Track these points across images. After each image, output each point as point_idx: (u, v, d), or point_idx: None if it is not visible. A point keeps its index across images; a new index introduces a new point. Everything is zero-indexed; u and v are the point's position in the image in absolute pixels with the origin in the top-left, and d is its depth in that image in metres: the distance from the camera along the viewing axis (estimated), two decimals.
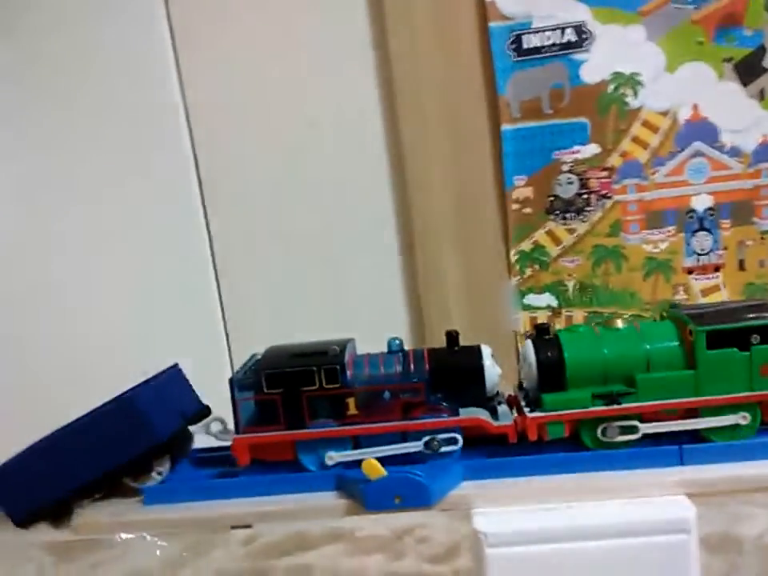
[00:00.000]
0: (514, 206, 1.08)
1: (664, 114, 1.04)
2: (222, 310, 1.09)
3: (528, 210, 1.08)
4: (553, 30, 1.03)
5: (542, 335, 0.55)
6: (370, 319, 1.05)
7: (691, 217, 1.06)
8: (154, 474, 0.56)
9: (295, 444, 0.55)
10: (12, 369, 1.11)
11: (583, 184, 1.06)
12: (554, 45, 1.03)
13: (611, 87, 1.03)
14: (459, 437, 0.54)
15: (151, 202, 1.08)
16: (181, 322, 1.07)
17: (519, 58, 1.04)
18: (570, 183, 1.06)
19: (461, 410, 0.54)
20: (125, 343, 1.08)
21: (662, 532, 0.48)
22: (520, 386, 0.57)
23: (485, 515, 0.51)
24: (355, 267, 1.08)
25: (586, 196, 1.06)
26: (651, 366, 0.53)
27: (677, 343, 0.53)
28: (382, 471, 0.51)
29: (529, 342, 0.55)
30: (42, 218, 1.10)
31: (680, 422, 0.53)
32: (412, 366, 0.55)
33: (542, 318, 1.09)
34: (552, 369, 0.53)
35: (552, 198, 1.07)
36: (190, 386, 0.61)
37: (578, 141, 1.05)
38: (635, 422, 0.53)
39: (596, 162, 1.05)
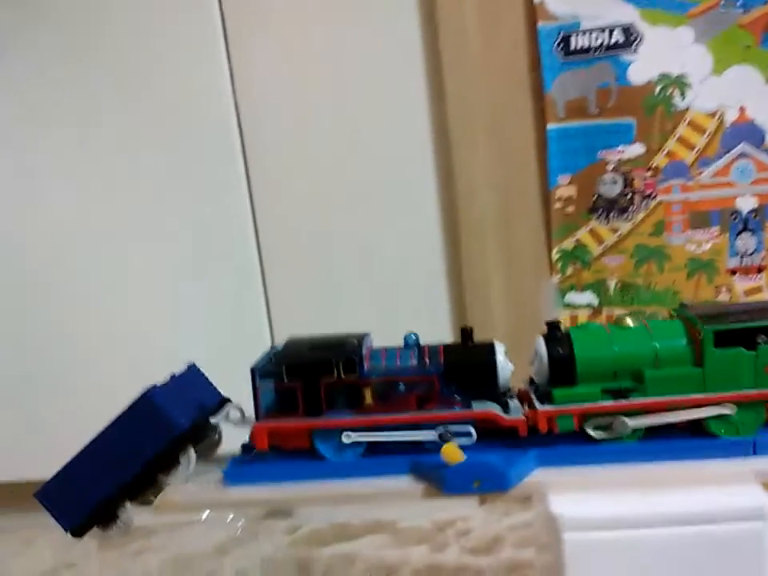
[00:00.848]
0: (557, 205, 1.08)
1: (711, 115, 1.04)
2: (268, 309, 1.10)
3: (571, 209, 1.09)
4: (601, 30, 1.03)
5: (553, 332, 0.56)
6: (414, 317, 1.06)
7: (735, 218, 1.06)
8: (181, 468, 0.57)
9: (312, 432, 0.56)
10: (63, 361, 1.13)
11: (627, 183, 1.07)
12: (601, 45, 1.04)
13: (658, 88, 1.04)
14: (473, 430, 0.55)
15: (200, 201, 1.10)
16: (228, 326, 1.08)
17: (566, 58, 1.05)
18: (614, 183, 1.07)
19: (474, 404, 0.56)
20: (172, 338, 1.10)
21: (738, 519, 0.49)
22: (531, 381, 0.59)
23: (561, 500, 0.51)
24: (399, 266, 1.09)
25: (629, 195, 1.07)
26: (659, 364, 0.54)
27: (685, 342, 0.54)
28: (460, 456, 0.52)
29: (541, 339, 0.56)
30: (94, 213, 1.12)
31: (680, 412, 0.54)
32: (427, 360, 0.56)
33: (583, 316, 1.10)
34: (562, 364, 0.54)
35: (595, 197, 1.08)
36: (208, 380, 0.62)
37: (624, 141, 1.06)
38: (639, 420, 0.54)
39: (641, 162, 1.06)
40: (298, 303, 1.09)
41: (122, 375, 1.11)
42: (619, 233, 1.08)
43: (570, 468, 0.54)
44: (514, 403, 0.56)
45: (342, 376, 0.55)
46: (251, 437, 0.56)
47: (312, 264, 1.10)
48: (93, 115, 1.09)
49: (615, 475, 0.53)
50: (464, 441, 0.55)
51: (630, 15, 1.03)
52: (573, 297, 1.10)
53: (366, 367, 0.56)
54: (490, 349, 0.56)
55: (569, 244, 1.09)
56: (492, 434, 0.55)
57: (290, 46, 1.07)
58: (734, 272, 1.07)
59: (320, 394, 0.55)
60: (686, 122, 1.05)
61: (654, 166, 1.06)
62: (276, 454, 0.57)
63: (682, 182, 1.06)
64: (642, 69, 1.04)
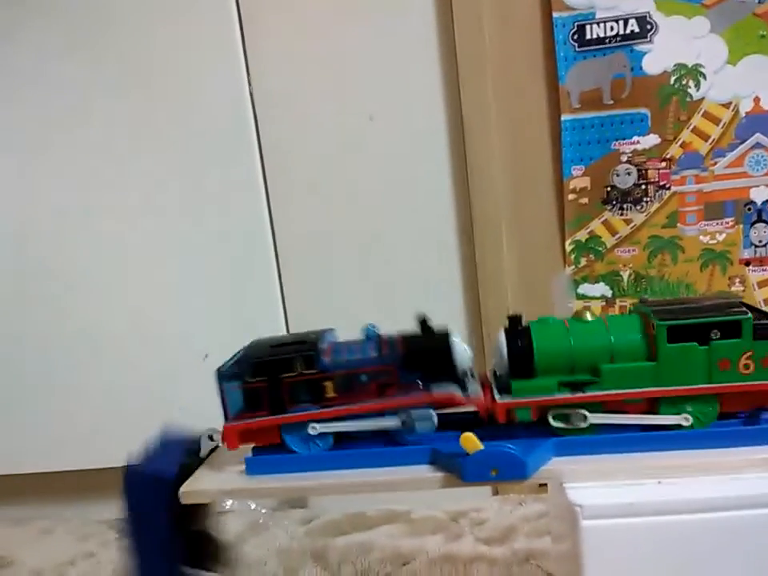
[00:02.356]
0: (571, 196, 1.08)
1: (725, 105, 1.04)
2: (283, 299, 1.11)
3: (584, 200, 1.08)
4: (616, 20, 1.03)
5: (514, 326, 0.57)
6: (429, 308, 1.06)
7: (750, 209, 1.06)
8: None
9: (280, 427, 0.57)
10: (83, 355, 1.14)
11: (641, 174, 1.06)
12: (616, 35, 1.04)
13: (673, 78, 1.04)
14: (433, 413, 0.56)
15: (217, 194, 1.10)
16: (243, 313, 1.09)
17: (581, 49, 1.04)
18: (629, 174, 1.07)
19: (435, 389, 0.56)
20: (190, 328, 1.11)
21: (755, 506, 0.49)
22: (494, 373, 0.59)
23: (579, 489, 0.52)
24: (414, 257, 1.09)
25: (644, 186, 1.07)
26: (615, 358, 0.55)
27: (640, 336, 0.55)
28: (479, 445, 0.52)
29: (502, 332, 0.57)
30: (108, 204, 1.12)
31: (635, 416, 0.55)
32: (385, 350, 0.57)
33: (596, 308, 1.10)
34: (521, 357, 0.55)
35: (609, 188, 1.08)
36: (183, 428, 0.62)
37: (638, 131, 1.05)
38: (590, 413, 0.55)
39: (655, 153, 1.05)
40: (312, 296, 1.10)
41: (139, 369, 1.13)
42: (633, 224, 1.08)
43: (587, 457, 0.55)
44: (473, 386, 0.57)
45: (303, 372, 0.56)
46: (222, 438, 0.58)
47: (326, 254, 1.10)
48: (109, 111, 1.10)
49: (632, 463, 0.53)
50: (425, 425, 0.56)
51: (645, 5, 1.03)
52: (586, 288, 1.10)
53: (326, 362, 0.57)
54: (445, 335, 0.57)
55: (582, 235, 1.09)
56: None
57: (304, 33, 1.07)
58: (747, 263, 1.07)
59: (283, 391, 0.56)
60: (701, 112, 1.04)
61: (668, 156, 1.05)
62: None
63: (696, 173, 1.06)
64: (656, 59, 1.04)
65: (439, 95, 1.06)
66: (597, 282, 1.10)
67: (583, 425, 0.55)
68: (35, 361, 1.15)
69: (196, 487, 0.56)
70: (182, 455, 0.58)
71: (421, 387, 0.56)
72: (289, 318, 1.11)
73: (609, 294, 1.10)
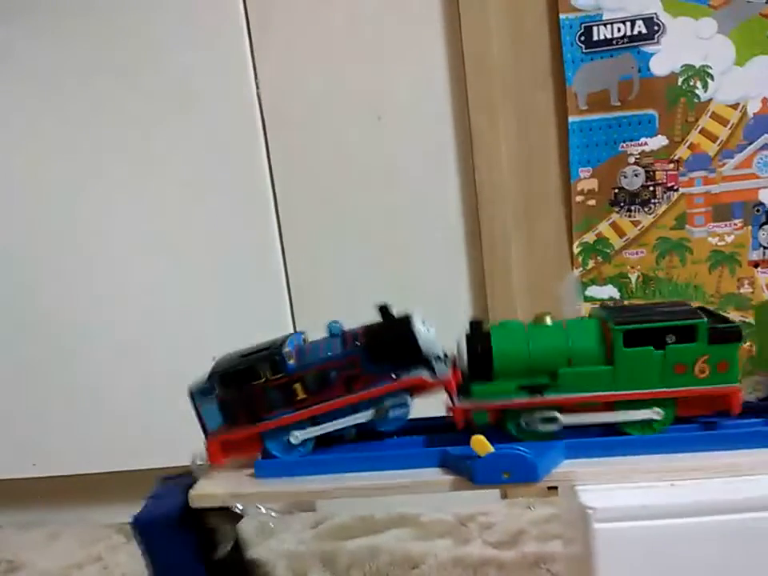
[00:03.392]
0: (578, 198, 1.08)
1: (733, 106, 1.03)
2: (290, 297, 1.11)
3: (592, 202, 1.08)
4: (623, 21, 1.03)
5: (474, 330, 0.56)
6: (436, 310, 1.06)
7: (758, 210, 1.05)
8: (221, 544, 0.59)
9: (261, 435, 0.57)
10: (94, 356, 1.14)
11: (649, 176, 1.06)
12: (623, 37, 1.03)
13: (681, 79, 1.03)
14: (408, 398, 0.56)
15: (224, 191, 1.10)
16: (251, 314, 1.09)
17: (588, 50, 1.04)
18: (636, 175, 1.06)
19: (404, 375, 0.56)
20: (197, 326, 1.11)
21: None
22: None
23: (591, 491, 0.51)
24: (422, 259, 1.09)
25: (651, 188, 1.06)
26: (573, 361, 0.55)
27: (598, 340, 0.55)
28: (490, 448, 0.52)
29: (463, 336, 0.56)
30: (116, 200, 1.12)
31: (598, 414, 0.55)
32: (350, 344, 0.57)
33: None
34: (480, 360, 0.55)
35: (617, 190, 1.07)
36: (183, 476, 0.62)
37: (646, 133, 1.05)
38: (555, 413, 0.55)
39: (663, 155, 1.05)
40: (319, 295, 1.10)
41: (148, 373, 1.13)
42: (641, 226, 1.08)
43: (598, 459, 0.54)
44: (441, 366, 0.56)
45: (270, 377, 0.56)
46: (207, 454, 0.57)
47: (333, 252, 1.10)
48: (113, 107, 1.10)
49: (644, 466, 0.53)
50: (400, 412, 0.56)
51: (652, 6, 1.02)
52: (594, 290, 1.10)
53: (293, 364, 0.57)
54: (405, 320, 0.56)
55: (590, 237, 1.09)
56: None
57: (311, 33, 1.07)
58: (756, 264, 1.06)
59: (256, 399, 0.56)
60: (709, 113, 1.04)
61: (676, 158, 1.05)
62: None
63: (705, 175, 1.05)
64: (664, 60, 1.04)
65: (447, 96, 1.06)
66: (605, 284, 1.10)
67: (549, 428, 0.55)
68: (45, 367, 1.15)
69: (206, 491, 0.56)
70: (182, 492, 0.57)
71: (388, 376, 0.56)
72: (296, 317, 1.11)
73: (617, 296, 1.10)
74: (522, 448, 0.52)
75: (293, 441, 0.56)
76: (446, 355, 0.57)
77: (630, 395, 0.54)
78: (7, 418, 1.16)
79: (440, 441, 0.58)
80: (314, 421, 0.57)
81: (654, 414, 0.54)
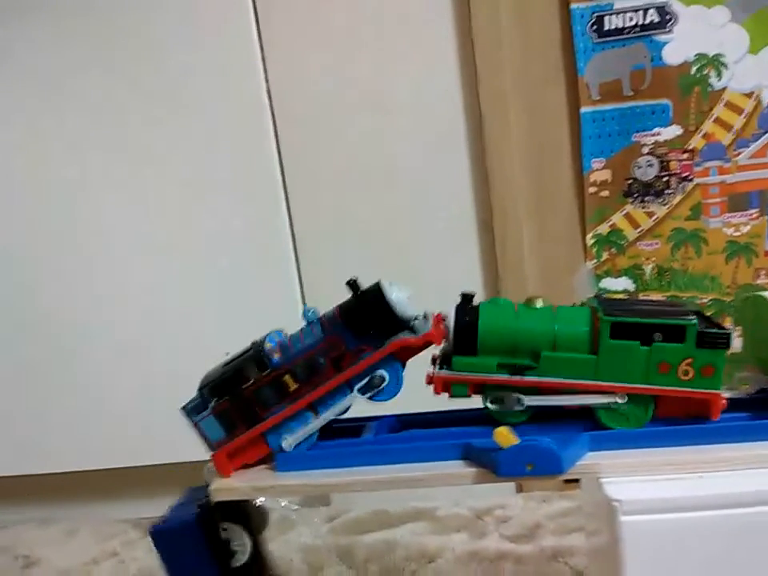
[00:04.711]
0: (591, 189, 1.07)
1: (748, 95, 1.02)
2: (302, 291, 1.11)
3: (605, 193, 1.07)
4: (635, 10, 1.02)
5: (464, 303, 0.56)
6: (448, 302, 1.06)
7: None
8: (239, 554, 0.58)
9: (264, 436, 0.57)
10: (104, 353, 1.14)
11: (663, 166, 1.05)
12: (635, 26, 1.02)
13: (694, 68, 1.02)
14: (397, 363, 0.56)
15: (231, 190, 1.10)
16: (263, 309, 1.08)
17: (600, 40, 1.03)
18: (650, 165, 1.05)
19: (387, 342, 0.55)
20: (207, 322, 1.10)
21: None
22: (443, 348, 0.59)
23: (616, 483, 0.51)
24: (434, 251, 1.09)
25: (666, 178, 1.06)
26: (557, 346, 0.54)
27: (586, 329, 0.54)
28: (514, 439, 0.51)
29: (453, 308, 0.56)
30: (126, 199, 1.12)
31: (559, 396, 0.55)
32: (328, 326, 0.57)
33: None
34: (466, 333, 0.55)
35: (630, 181, 1.06)
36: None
37: (659, 123, 1.04)
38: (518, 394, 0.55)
39: (677, 144, 1.04)
40: (330, 288, 1.09)
41: (160, 368, 1.13)
42: (655, 217, 1.07)
43: (622, 451, 0.54)
44: (419, 323, 0.56)
45: (258, 377, 0.56)
46: (216, 469, 0.57)
47: (344, 247, 1.10)
48: (118, 103, 1.10)
49: (671, 457, 0.52)
50: (393, 379, 0.56)
51: None
52: (608, 282, 1.09)
53: (278, 359, 0.57)
54: (376, 288, 0.56)
55: (604, 228, 1.08)
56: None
57: (321, 29, 1.07)
58: None
59: (250, 402, 0.56)
60: (723, 102, 1.03)
61: (690, 147, 1.04)
62: (328, 441, 0.58)
63: (720, 164, 1.04)
64: (677, 49, 1.03)
65: (458, 88, 1.05)
66: (619, 276, 1.09)
67: (518, 407, 0.55)
68: (59, 361, 1.15)
69: (227, 484, 0.56)
70: (197, 501, 0.57)
71: (371, 346, 0.55)
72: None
73: (632, 288, 1.09)
74: (546, 440, 0.52)
75: (286, 446, 0.56)
76: (425, 316, 0.57)
77: (609, 387, 0.54)
78: (14, 415, 1.17)
79: (460, 434, 0.57)
80: (314, 409, 0.57)
81: (617, 398, 0.54)
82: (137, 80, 1.08)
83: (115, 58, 1.08)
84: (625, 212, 1.07)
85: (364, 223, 1.09)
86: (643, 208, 1.07)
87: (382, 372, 0.55)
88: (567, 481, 0.55)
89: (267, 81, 1.07)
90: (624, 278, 1.09)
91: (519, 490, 1.09)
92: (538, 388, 0.55)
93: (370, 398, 0.56)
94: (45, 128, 1.11)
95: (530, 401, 0.55)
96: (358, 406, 0.57)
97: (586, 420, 0.55)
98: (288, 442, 0.56)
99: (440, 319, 0.57)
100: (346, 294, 0.56)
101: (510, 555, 0.91)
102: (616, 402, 0.54)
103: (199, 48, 1.06)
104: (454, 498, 1.05)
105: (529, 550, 0.93)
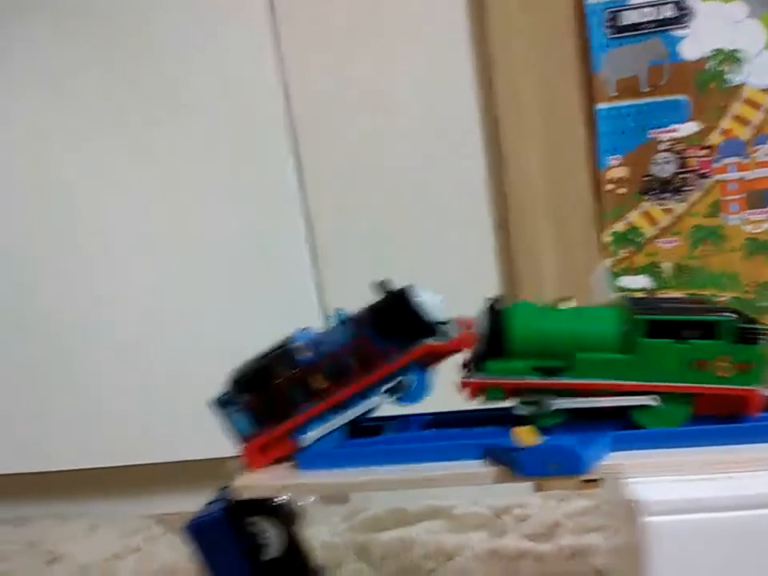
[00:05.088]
0: (608, 186, 1.07)
1: (766, 90, 1.02)
2: (320, 291, 1.11)
3: (623, 191, 1.07)
4: (651, 5, 1.01)
5: (494, 306, 0.57)
6: (464, 300, 1.05)
7: None
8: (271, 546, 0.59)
9: (291, 434, 0.57)
10: (135, 342, 1.15)
11: (681, 163, 1.04)
12: (652, 21, 1.02)
13: (711, 64, 1.02)
14: (423, 370, 0.56)
15: (235, 189, 1.11)
16: (279, 306, 1.09)
17: (616, 35, 1.03)
18: (668, 162, 1.05)
19: (416, 346, 0.56)
20: (207, 322, 1.11)
21: None
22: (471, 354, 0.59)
23: (640, 484, 0.50)
24: (450, 250, 1.09)
25: (684, 175, 1.05)
26: (591, 347, 0.54)
27: (619, 329, 0.54)
28: (534, 439, 0.51)
29: (483, 311, 0.57)
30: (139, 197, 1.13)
31: (591, 399, 0.54)
32: (357, 326, 0.57)
33: None
34: (498, 337, 0.55)
35: (648, 178, 1.06)
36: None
37: (677, 119, 1.03)
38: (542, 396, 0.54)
39: (695, 140, 1.03)
40: (348, 288, 1.10)
41: (183, 364, 1.13)
42: (674, 214, 1.06)
43: (645, 452, 0.54)
44: (450, 328, 0.56)
45: (287, 374, 0.57)
46: (247, 462, 0.58)
47: (361, 246, 1.10)
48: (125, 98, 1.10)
49: (695, 458, 0.52)
50: (419, 384, 0.56)
51: None
52: (626, 280, 1.09)
53: (307, 357, 0.57)
54: (405, 291, 0.56)
55: (621, 226, 1.08)
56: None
57: (337, 24, 1.07)
58: None
59: (278, 398, 0.57)
60: (741, 98, 1.02)
61: (708, 144, 1.03)
62: (350, 439, 0.58)
63: (738, 160, 1.03)
64: (694, 45, 1.02)
65: (473, 87, 1.05)
66: (637, 273, 1.09)
67: (553, 410, 0.55)
68: (82, 356, 1.16)
69: (249, 482, 0.56)
70: (227, 498, 0.59)
71: (399, 350, 0.56)
72: (327, 305, 1.11)
73: (650, 286, 1.08)
74: (569, 439, 0.52)
75: (304, 442, 0.57)
76: (454, 321, 0.57)
77: (646, 386, 0.53)
78: (14, 415, 1.18)
79: (481, 433, 0.57)
80: (339, 407, 0.57)
81: (650, 400, 0.54)
82: (138, 80, 1.09)
83: (116, 57, 1.09)
84: (642, 209, 1.07)
85: (378, 224, 1.09)
86: (661, 205, 1.06)
87: (410, 375, 0.56)
88: (586, 480, 0.55)
89: (284, 79, 1.07)
90: (642, 275, 1.09)
91: (538, 489, 1.08)
92: (571, 389, 0.55)
93: (397, 401, 0.57)
94: (45, 128, 1.12)
95: (565, 403, 0.55)
96: (385, 405, 0.58)
97: (618, 420, 0.55)
98: (308, 437, 0.57)
99: (469, 325, 0.57)
100: (361, 290, 0.56)
101: (529, 554, 0.91)
102: (652, 402, 0.54)
103: (200, 48, 1.07)
104: (471, 497, 1.05)
105: (548, 548, 0.92)
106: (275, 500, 0.60)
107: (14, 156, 1.13)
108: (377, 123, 1.07)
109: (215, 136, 1.09)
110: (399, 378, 0.56)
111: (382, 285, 0.57)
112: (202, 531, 0.58)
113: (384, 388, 0.56)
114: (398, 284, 0.58)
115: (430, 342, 0.55)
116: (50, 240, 1.15)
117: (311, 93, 1.08)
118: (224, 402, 0.59)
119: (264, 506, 0.59)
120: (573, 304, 0.56)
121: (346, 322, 0.58)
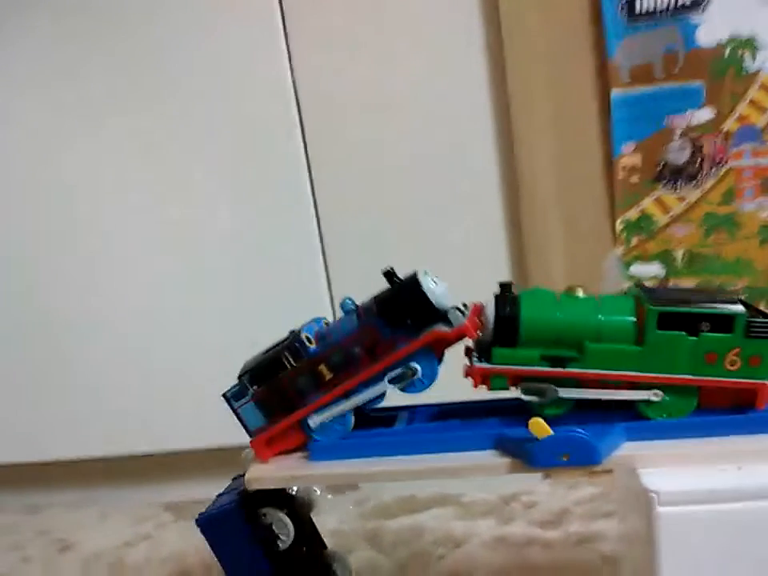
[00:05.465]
0: (621, 174, 1.06)
1: None
2: (329, 284, 1.11)
3: (635, 178, 1.06)
4: None
5: (504, 293, 0.56)
6: (475, 290, 1.05)
7: None
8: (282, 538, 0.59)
9: (301, 424, 0.58)
10: (143, 331, 1.16)
11: (696, 150, 1.03)
12: (668, 8, 1.00)
13: (728, 50, 1.00)
14: (431, 357, 0.56)
15: (260, 181, 1.10)
16: (289, 297, 1.09)
17: (631, 22, 1.01)
18: (683, 149, 1.04)
19: (423, 333, 0.55)
20: (237, 316, 1.11)
21: None
22: (476, 340, 0.58)
23: (653, 475, 0.50)
24: (459, 238, 1.08)
25: (698, 162, 1.04)
26: (602, 337, 0.53)
27: (631, 319, 0.53)
28: (548, 430, 0.51)
29: (491, 298, 0.56)
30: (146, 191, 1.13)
31: (590, 390, 0.54)
32: (364, 316, 0.57)
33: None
34: (506, 324, 0.54)
35: (662, 165, 1.05)
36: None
37: (692, 105, 1.02)
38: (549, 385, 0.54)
39: (710, 128, 1.02)
40: (357, 280, 1.09)
41: (192, 354, 1.14)
42: (687, 201, 1.05)
43: (658, 442, 0.53)
44: (456, 315, 0.55)
45: (294, 365, 0.57)
46: (255, 454, 0.58)
47: (370, 237, 1.10)
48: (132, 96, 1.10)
49: (708, 449, 0.52)
50: (427, 371, 0.56)
51: None
52: (638, 268, 1.08)
53: (314, 348, 0.57)
54: (413, 278, 0.56)
55: (633, 214, 1.07)
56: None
57: (345, 18, 1.06)
58: None
59: (286, 390, 0.57)
60: (757, 84, 1.01)
61: (724, 130, 1.02)
62: (362, 430, 0.58)
63: (754, 147, 1.02)
64: (710, 31, 1.00)
65: (485, 72, 1.04)
66: (649, 261, 1.08)
67: (557, 399, 0.54)
68: (92, 346, 1.17)
69: (260, 473, 0.57)
70: (239, 491, 0.59)
71: (407, 337, 0.55)
72: (334, 299, 1.11)
73: (662, 274, 1.08)
74: (580, 430, 0.52)
75: (311, 425, 0.57)
76: (465, 306, 0.57)
77: (655, 378, 0.53)
78: (14, 409, 1.18)
79: (493, 424, 0.57)
80: (347, 397, 0.57)
81: (652, 395, 0.53)
82: (140, 79, 1.08)
83: (117, 56, 1.08)
84: (655, 197, 1.06)
85: (389, 212, 1.09)
86: (675, 192, 1.05)
87: (415, 364, 0.56)
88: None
89: (294, 82, 1.07)
90: (654, 263, 1.08)
91: (546, 476, 1.09)
92: (578, 379, 0.54)
93: (402, 390, 0.57)
94: (45, 128, 1.11)
95: (570, 393, 0.54)
96: (396, 395, 0.58)
97: (624, 410, 0.55)
98: (314, 421, 0.57)
99: (477, 310, 0.56)
100: (370, 282, 0.56)
101: (537, 540, 0.92)
102: (654, 397, 0.53)
103: (201, 48, 1.06)
104: (478, 484, 1.05)
105: (556, 535, 0.93)
106: (288, 490, 0.61)
107: (14, 156, 1.13)
108: (386, 113, 1.07)
109: (219, 134, 1.09)
110: (404, 367, 0.56)
111: (388, 274, 0.57)
112: (214, 525, 0.58)
113: (391, 376, 0.56)
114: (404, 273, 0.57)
115: (438, 328, 0.55)
116: (49, 240, 1.14)
117: (319, 91, 1.07)
118: (234, 395, 0.59)
119: (277, 497, 0.60)
120: (580, 293, 0.56)
121: (354, 311, 0.58)
